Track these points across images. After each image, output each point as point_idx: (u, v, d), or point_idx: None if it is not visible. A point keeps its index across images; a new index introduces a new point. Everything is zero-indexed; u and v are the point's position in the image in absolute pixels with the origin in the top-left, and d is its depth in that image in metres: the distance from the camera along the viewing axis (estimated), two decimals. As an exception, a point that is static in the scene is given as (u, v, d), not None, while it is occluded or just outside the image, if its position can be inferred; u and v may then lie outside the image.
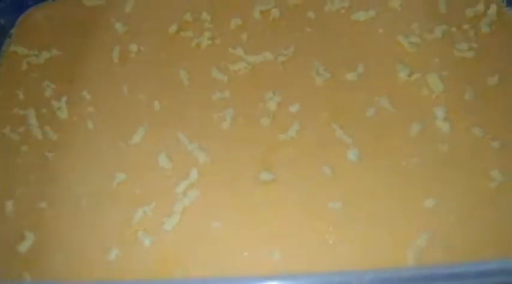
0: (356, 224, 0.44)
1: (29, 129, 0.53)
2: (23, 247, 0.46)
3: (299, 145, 0.49)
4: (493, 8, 0.57)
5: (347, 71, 0.53)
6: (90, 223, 0.46)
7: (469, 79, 0.52)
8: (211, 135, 0.51)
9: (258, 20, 0.60)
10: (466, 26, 0.56)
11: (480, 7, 0.57)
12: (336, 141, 0.49)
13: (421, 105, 0.50)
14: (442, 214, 0.44)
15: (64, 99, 0.55)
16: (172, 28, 0.60)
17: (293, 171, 0.48)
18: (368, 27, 0.57)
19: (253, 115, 0.52)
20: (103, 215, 0.47)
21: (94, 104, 0.54)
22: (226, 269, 0.43)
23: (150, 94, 0.55)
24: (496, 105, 0.50)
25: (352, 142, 0.48)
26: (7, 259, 0.46)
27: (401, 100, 0.51)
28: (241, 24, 0.59)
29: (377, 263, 0.42)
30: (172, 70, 0.57)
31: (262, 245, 0.44)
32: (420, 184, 0.45)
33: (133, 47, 0.59)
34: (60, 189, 0.49)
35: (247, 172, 0.48)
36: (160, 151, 0.50)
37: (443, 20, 0.57)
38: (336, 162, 0.47)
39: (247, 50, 0.57)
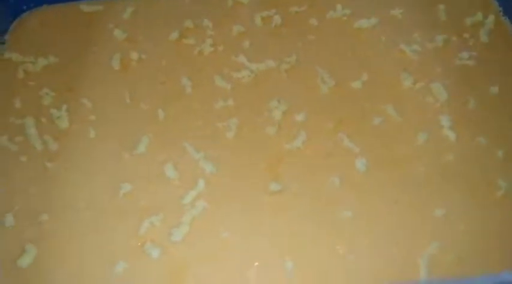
0: (366, 234, 0.44)
1: (27, 138, 0.52)
2: (24, 261, 0.44)
3: (306, 155, 0.49)
4: (491, 18, 0.58)
5: (352, 79, 0.53)
6: (95, 235, 0.45)
7: (471, 88, 0.53)
8: (217, 144, 0.51)
9: (259, 26, 0.59)
10: (465, 35, 0.57)
11: (479, 16, 0.58)
12: (343, 151, 0.49)
13: (426, 113, 0.51)
14: (451, 223, 0.44)
15: (64, 107, 0.54)
16: (174, 35, 0.59)
17: (301, 181, 0.48)
18: (370, 35, 0.57)
19: (258, 125, 0.52)
20: (108, 227, 0.46)
21: (95, 112, 0.53)
22: (238, 280, 0.43)
23: (153, 103, 0.54)
24: (499, 114, 0.51)
25: (360, 152, 0.48)
26: (7, 274, 0.44)
27: (406, 108, 0.51)
28: (243, 31, 0.59)
29: (388, 273, 0.43)
30: (174, 78, 0.56)
31: (273, 255, 0.44)
32: (428, 193, 0.46)
33: (134, 55, 0.58)
34: (62, 200, 0.47)
35: (255, 183, 0.48)
36: (166, 161, 0.49)
37: (443, 28, 0.58)
38: (344, 172, 0.47)
39: (250, 57, 0.56)
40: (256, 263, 0.43)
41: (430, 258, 0.43)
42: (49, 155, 0.51)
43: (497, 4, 0.60)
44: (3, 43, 0.61)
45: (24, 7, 0.63)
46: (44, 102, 0.55)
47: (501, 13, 0.59)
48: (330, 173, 0.47)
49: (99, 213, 0.46)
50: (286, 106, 0.52)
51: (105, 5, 0.63)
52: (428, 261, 0.42)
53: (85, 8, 0.63)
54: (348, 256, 0.43)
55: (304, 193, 0.47)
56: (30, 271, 0.44)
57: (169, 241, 0.45)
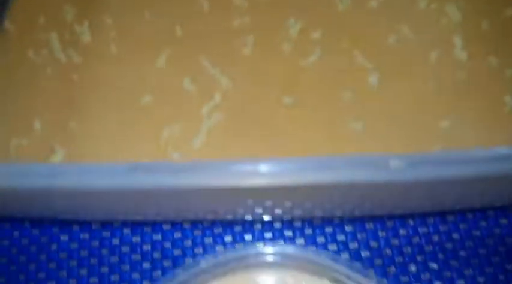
0: (375, 142, 0.47)
1: (52, 52, 0.54)
2: (54, 161, 0.48)
3: (320, 71, 0.51)
4: None
5: (369, -2, 0.54)
6: (120, 139, 0.48)
7: (485, 11, 0.53)
8: (233, 60, 0.52)
9: None
10: (482, -41, 0.57)
11: None
12: (357, 66, 0.50)
13: (440, 33, 0.52)
14: (457, 133, 0.46)
15: (86, 23, 0.55)
16: (190, -47, 0.59)
17: (314, 95, 0.50)
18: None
19: (275, 42, 0.53)
20: (132, 133, 0.48)
21: (116, 29, 0.55)
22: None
23: (171, 20, 0.55)
24: (510, 35, 0.52)
25: (373, 67, 0.50)
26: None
27: (421, 28, 0.52)
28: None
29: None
30: (192, -4, 0.57)
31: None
32: (438, 106, 0.48)
33: (152, -27, 0.58)
34: (88, 108, 0.50)
35: (270, 97, 0.50)
36: (184, 75, 0.51)
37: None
38: (357, 86, 0.49)
39: (267, -23, 0.57)
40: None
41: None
42: (74, 68, 0.53)
43: None
44: (23, -37, 0.61)
45: None
46: (67, 19, 0.56)
47: None
48: (343, 87, 0.49)
49: (123, 120, 0.49)
50: (302, 24, 0.53)
51: None
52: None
53: None
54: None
55: (317, 106, 0.49)
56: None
57: (189, 147, 0.47)
